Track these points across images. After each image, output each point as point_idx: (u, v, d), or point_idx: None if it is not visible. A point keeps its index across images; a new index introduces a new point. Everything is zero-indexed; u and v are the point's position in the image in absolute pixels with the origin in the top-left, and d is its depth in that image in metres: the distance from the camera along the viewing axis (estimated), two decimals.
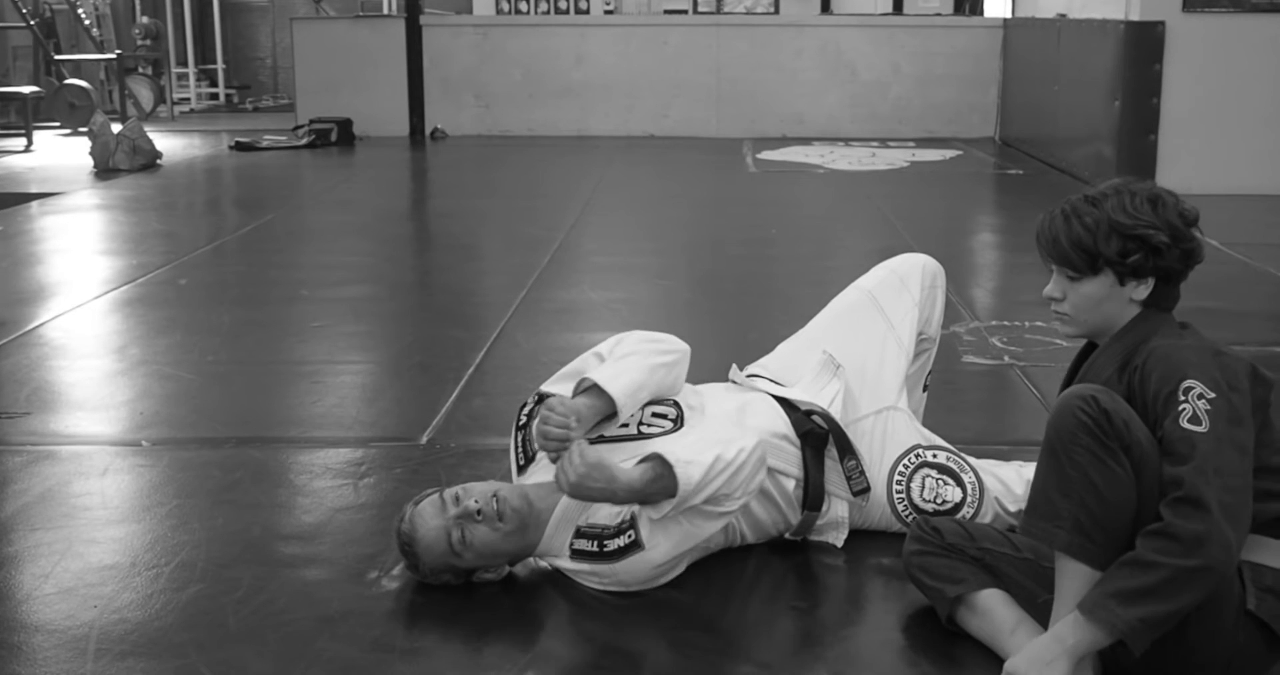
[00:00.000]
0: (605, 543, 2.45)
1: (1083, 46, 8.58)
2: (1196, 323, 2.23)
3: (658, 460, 2.35)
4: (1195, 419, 2.01)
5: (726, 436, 2.46)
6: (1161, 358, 2.09)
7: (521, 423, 2.77)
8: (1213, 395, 2.03)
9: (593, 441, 2.60)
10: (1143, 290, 2.17)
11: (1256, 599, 2.04)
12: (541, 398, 2.76)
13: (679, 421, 2.65)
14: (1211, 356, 2.09)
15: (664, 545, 2.41)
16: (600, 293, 5.33)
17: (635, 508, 2.41)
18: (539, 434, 2.50)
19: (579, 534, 2.49)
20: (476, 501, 2.44)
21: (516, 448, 2.75)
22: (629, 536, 2.42)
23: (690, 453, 2.37)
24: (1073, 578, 2.08)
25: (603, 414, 2.58)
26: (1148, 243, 2.13)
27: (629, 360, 2.64)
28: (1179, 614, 1.97)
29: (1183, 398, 2.03)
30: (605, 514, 2.47)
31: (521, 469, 2.72)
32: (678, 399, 2.71)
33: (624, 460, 2.45)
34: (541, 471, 2.64)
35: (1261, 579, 2.05)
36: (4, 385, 3.97)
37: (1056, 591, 2.11)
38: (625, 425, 2.63)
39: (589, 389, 2.58)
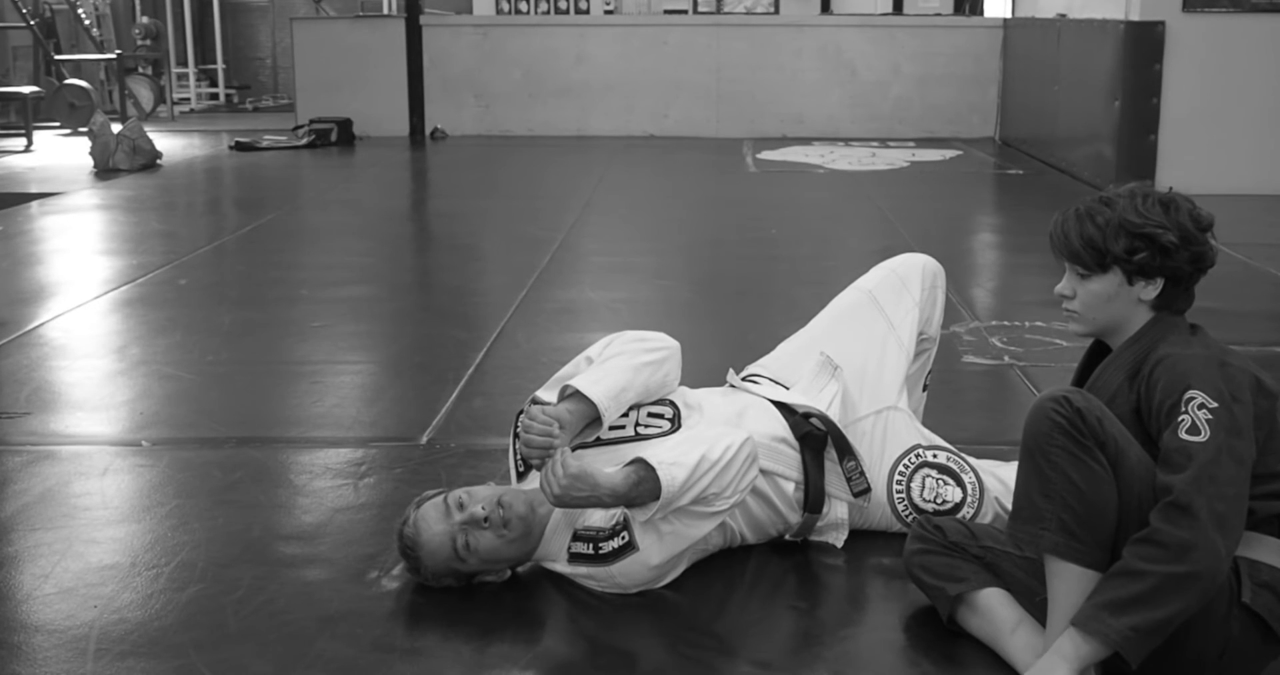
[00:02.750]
0: (600, 545, 2.44)
1: (1083, 46, 8.58)
2: (1197, 323, 2.23)
3: (641, 463, 2.35)
4: (1194, 429, 2.02)
5: (714, 434, 2.44)
6: (1167, 368, 2.10)
7: (518, 431, 2.77)
8: (1214, 405, 2.04)
9: (589, 445, 2.61)
10: (1151, 291, 2.19)
11: (1252, 593, 2.05)
12: (534, 404, 2.77)
13: (676, 421, 2.64)
14: (1217, 366, 2.10)
15: (657, 546, 2.41)
16: (600, 293, 5.33)
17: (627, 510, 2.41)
18: (523, 442, 2.51)
19: (576, 537, 2.49)
20: (483, 508, 2.44)
21: (514, 455, 2.75)
22: (623, 538, 2.41)
23: (675, 453, 2.36)
24: (1063, 578, 2.09)
25: (588, 418, 2.57)
26: (1155, 242, 2.14)
27: (613, 362, 2.65)
28: (1172, 622, 1.97)
29: (1184, 408, 2.04)
30: (599, 516, 2.46)
31: (521, 476, 2.71)
32: (674, 399, 2.71)
33: (619, 463, 2.48)
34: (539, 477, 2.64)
35: (1258, 574, 2.06)
36: (4, 385, 3.97)
37: (1049, 593, 2.12)
38: (621, 427, 2.63)
39: (572, 394, 2.59)
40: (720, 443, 2.39)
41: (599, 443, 2.61)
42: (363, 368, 4.32)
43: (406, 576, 2.55)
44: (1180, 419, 2.04)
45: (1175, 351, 2.13)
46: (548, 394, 2.71)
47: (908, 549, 2.39)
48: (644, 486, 2.33)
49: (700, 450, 2.36)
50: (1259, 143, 7.70)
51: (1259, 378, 2.13)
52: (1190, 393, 2.05)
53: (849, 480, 2.66)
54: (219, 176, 9.69)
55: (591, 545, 2.45)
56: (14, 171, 9.43)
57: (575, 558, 2.49)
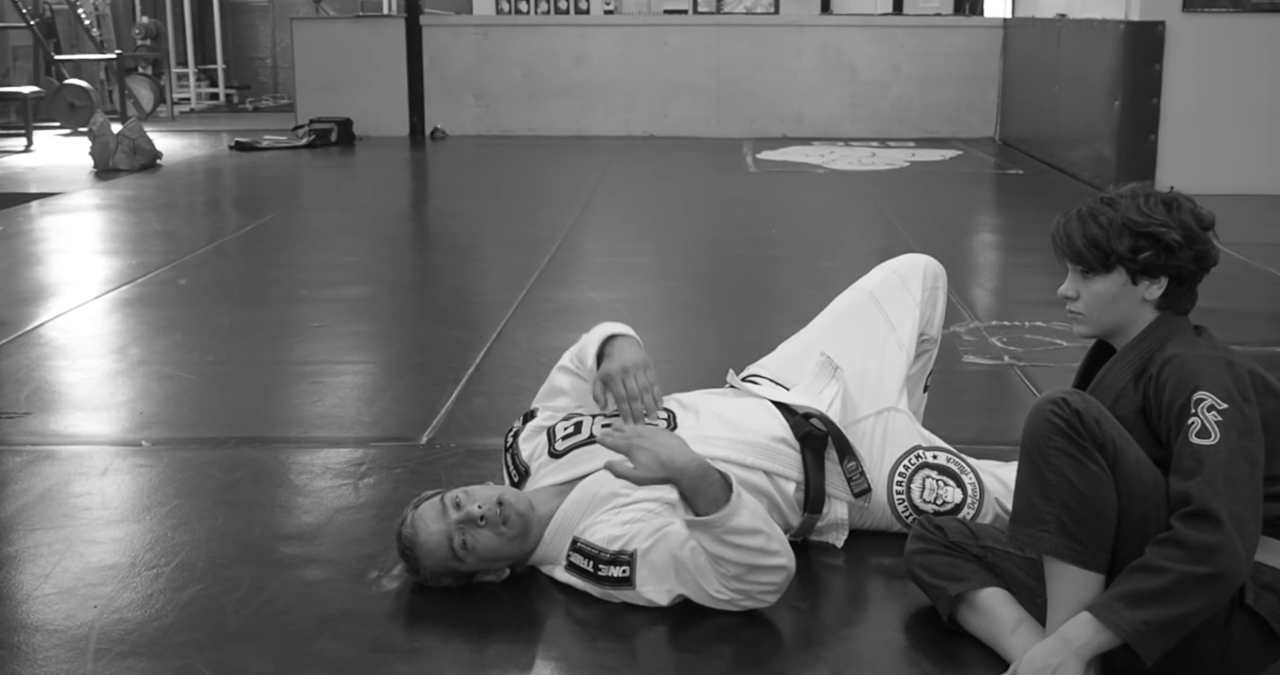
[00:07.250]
0: (600, 567, 2.43)
1: (1083, 46, 8.58)
2: (1201, 324, 2.23)
3: (724, 480, 2.28)
4: (1204, 432, 2.01)
5: (779, 539, 2.34)
6: (1175, 368, 2.09)
7: (509, 444, 2.77)
8: (1224, 407, 2.03)
9: (583, 444, 2.61)
10: (1155, 290, 2.18)
11: (1254, 595, 2.04)
12: (528, 417, 2.79)
13: (670, 421, 2.64)
14: (1225, 366, 2.09)
15: (653, 587, 2.39)
16: (600, 293, 5.33)
17: (636, 547, 2.40)
18: (632, 397, 2.56)
19: (575, 548, 2.48)
20: (480, 506, 2.44)
21: (507, 466, 2.75)
22: (624, 571, 2.40)
23: (761, 516, 2.31)
24: (1063, 580, 2.08)
25: None
26: (1159, 241, 2.14)
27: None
28: (1187, 621, 1.96)
29: (1193, 410, 2.03)
30: (602, 535, 2.45)
31: (515, 486, 2.70)
32: (668, 406, 2.71)
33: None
34: (540, 480, 2.64)
35: (1260, 576, 2.06)
36: (4, 385, 3.97)
37: (1049, 595, 2.12)
38: (611, 423, 2.63)
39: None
40: (780, 557, 2.31)
41: (592, 440, 2.61)
42: (363, 368, 4.32)
43: (406, 576, 2.55)
44: (1190, 422, 2.03)
45: (1183, 351, 2.12)
46: (554, 402, 2.73)
47: (908, 548, 2.39)
48: (714, 489, 2.26)
49: (767, 537, 2.29)
50: (1258, 143, 7.70)
51: (1265, 378, 2.13)
52: (1199, 394, 2.04)
53: (849, 480, 2.66)
54: (219, 176, 9.69)
55: (591, 563, 2.44)
56: (14, 171, 9.43)
57: (573, 568, 2.48)
